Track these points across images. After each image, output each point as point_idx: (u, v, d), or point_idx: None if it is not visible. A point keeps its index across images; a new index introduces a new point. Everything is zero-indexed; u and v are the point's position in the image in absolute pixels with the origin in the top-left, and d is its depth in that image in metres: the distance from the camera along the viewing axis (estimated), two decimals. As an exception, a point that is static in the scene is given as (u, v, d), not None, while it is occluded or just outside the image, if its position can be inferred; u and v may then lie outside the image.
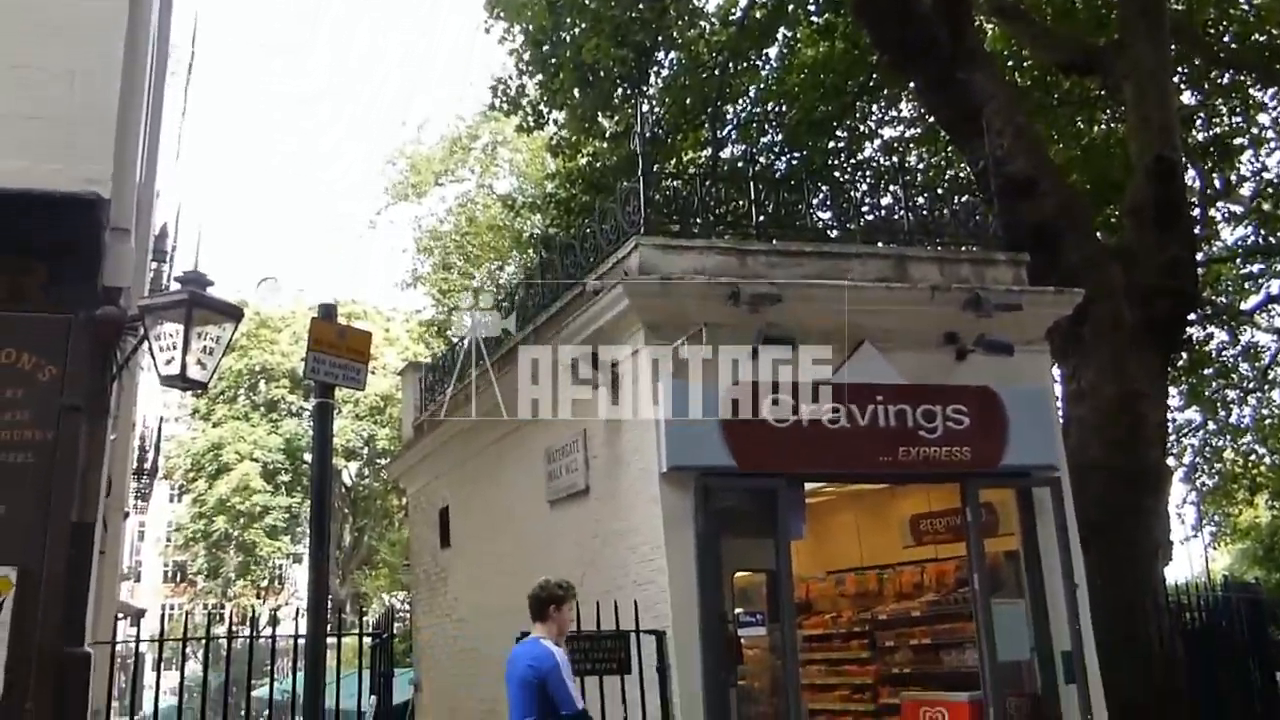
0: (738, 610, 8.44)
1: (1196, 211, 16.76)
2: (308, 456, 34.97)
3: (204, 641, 8.05)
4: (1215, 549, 31.01)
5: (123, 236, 7.11)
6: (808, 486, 8.90)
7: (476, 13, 25.13)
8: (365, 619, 9.69)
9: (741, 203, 9.47)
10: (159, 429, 19.32)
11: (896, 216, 9.88)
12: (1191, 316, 15.12)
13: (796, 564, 8.72)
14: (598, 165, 16.75)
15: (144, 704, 10.44)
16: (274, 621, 8.45)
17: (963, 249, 9.79)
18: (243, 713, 8.65)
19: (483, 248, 25.51)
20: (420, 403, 14.19)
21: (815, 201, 10.06)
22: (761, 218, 9.37)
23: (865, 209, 10.14)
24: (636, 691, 7.80)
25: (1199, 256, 14.58)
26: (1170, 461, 14.79)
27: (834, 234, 10.43)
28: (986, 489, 9.04)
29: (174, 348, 6.51)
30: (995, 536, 9.22)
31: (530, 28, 15.83)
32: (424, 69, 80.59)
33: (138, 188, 7.59)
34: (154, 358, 6.59)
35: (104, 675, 7.41)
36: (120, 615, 10.59)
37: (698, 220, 9.20)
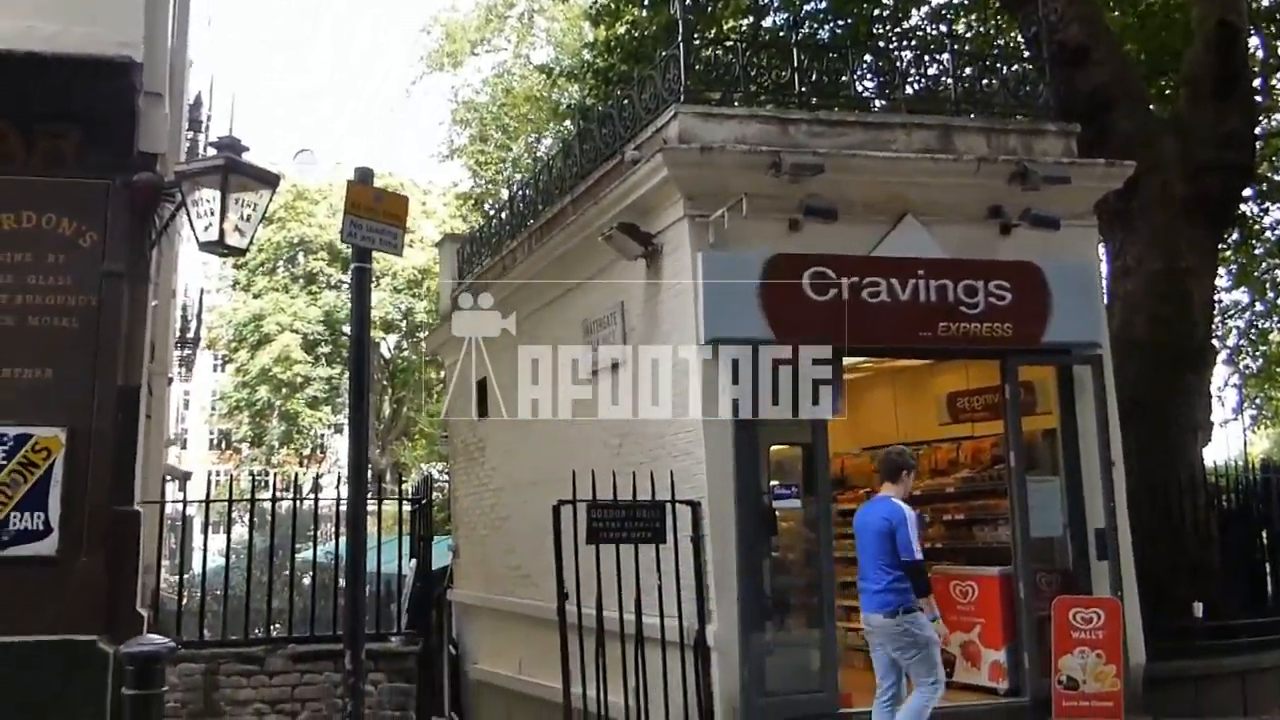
0: (773, 483, 8.51)
1: (1257, 82, 16.09)
2: (347, 328, 35.27)
3: (249, 504, 8.27)
4: (1255, 432, 30.82)
5: (156, 101, 7.06)
6: (845, 361, 8.84)
7: None
8: (404, 487, 9.88)
9: (784, 71, 9.21)
10: (200, 299, 19.54)
11: (943, 86, 9.58)
12: (1246, 192, 14.65)
13: (832, 439, 8.74)
14: (637, 34, 16.29)
15: (193, 565, 10.78)
16: (316, 487, 8.62)
17: (1011, 120, 9.50)
18: (287, 573, 8.93)
19: (519, 119, 25.09)
20: (459, 274, 14.21)
21: (859, 70, 9.77)
22: (804, 86, 9.13)
23: (911, 78, 9.83)
24: (672, 560, 7.94)
25: (1257, 130, 14.00)
26: (1214, 343, 14.56)
27: (878, 104, 10.16)
28: (1027, 366, 8.96)
29: (211, 214, 6.51)
30: (1033, 415, 9.18)
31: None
32: (458, -67, 78.28)
33: (170, 53, 7.48)
34: (192, 224, 6.60)
35: (153, 533, 7.63)
36: (167, 478, 10.88)
37: (739, 89, 8.97)
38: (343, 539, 9.08)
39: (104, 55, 6.54)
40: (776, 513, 8.45)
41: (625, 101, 9.84)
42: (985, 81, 9.63)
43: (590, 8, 17.37)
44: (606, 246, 8.94)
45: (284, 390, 35.57)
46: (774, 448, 8.76)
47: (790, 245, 8.30)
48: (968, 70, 9.77)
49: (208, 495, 7.64)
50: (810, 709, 7.88)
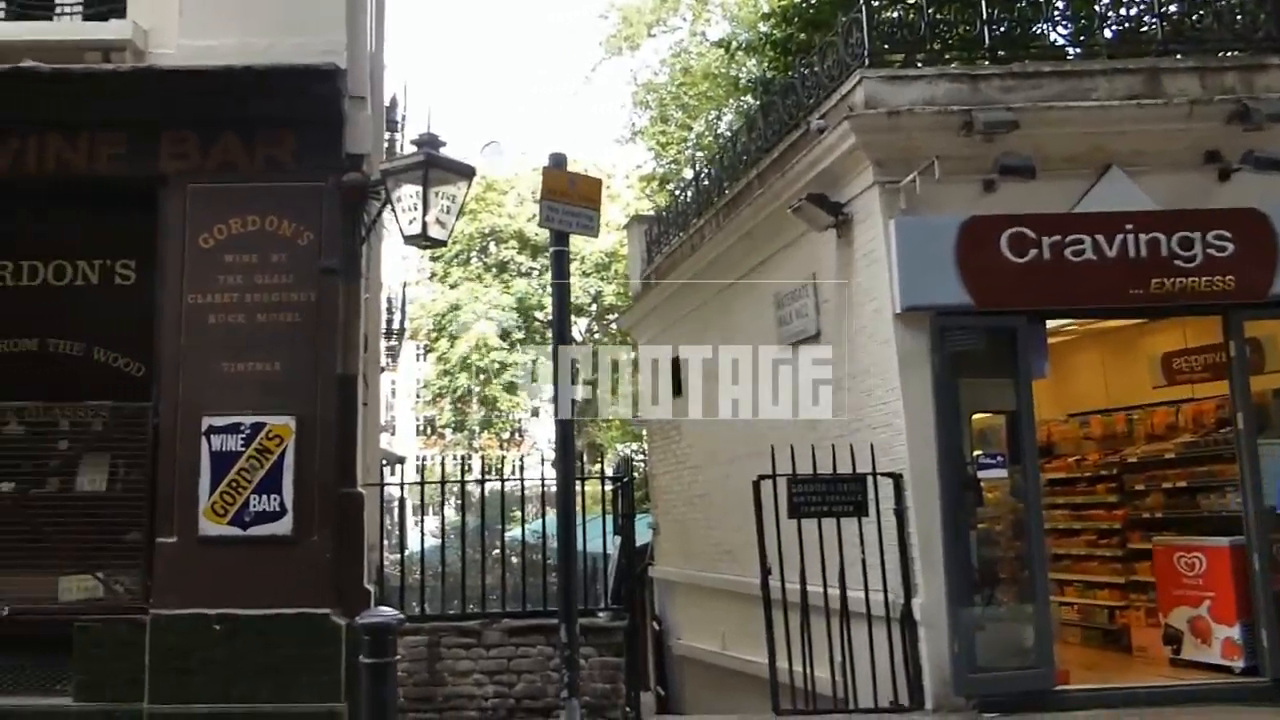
0: (976, 452, 8.26)
1: None
2: (539, 314, 36.32)
3: (460, 486, 8.65)
4: None
5: (360, 104, 7.43)
6: (1049, 324, 8.47)
7: None
8: (602, 465, 10.09)
9: (971, 25, 8.88)
10: (404, 292, 20.46)
11: (1147, 26, 8.99)
12: None
13: (1037, 405, 8.40)
14: (814, 1, 16.00)
15: (409, 544, 11.30)
16: (521, 468, 8.91)
17: (1226, 56, 8.83)
18: (496, 551, 9.31)
19: (699, 97, 25.03)
20: (647, 255, 14.37)
21: (1053, 17, 9.30)
22: (993, 40, 8.76)
23: (1110, 21, 9.29)
24: (874, 534, 7.83)
25: None
26: None
27: (1075, 52, 9.64)
28: (1253, 321, 8.35)
29: (414, 208, 6.82)
30: (1261, 374, 8.56)
31: None
32: (629, -83, 78.73)
33: (369, 58, 7.86)
34: (397, 219, 6.92)
35: (374, 514, 8.08)
36: (383, 462, 11.50)
37: (925, 48, 8.70)
38: (548, 518, 9.44)
39: (312, 64, 6.97)
40: (982, 483, 8.20)
41: (807, 70, 9.71)
42: (1195, 16, 9.00)
43: (767, -24, 17.15)
44: (795, 219, 8.86)
45: (482, 376, 36.84)
46: (976, 416, 8.50)
47: (986, 206, 8.02)
48: (1173, 7, 9.15)
49: (422, 478, 8.04)
50: (1025, 685, 7.63)
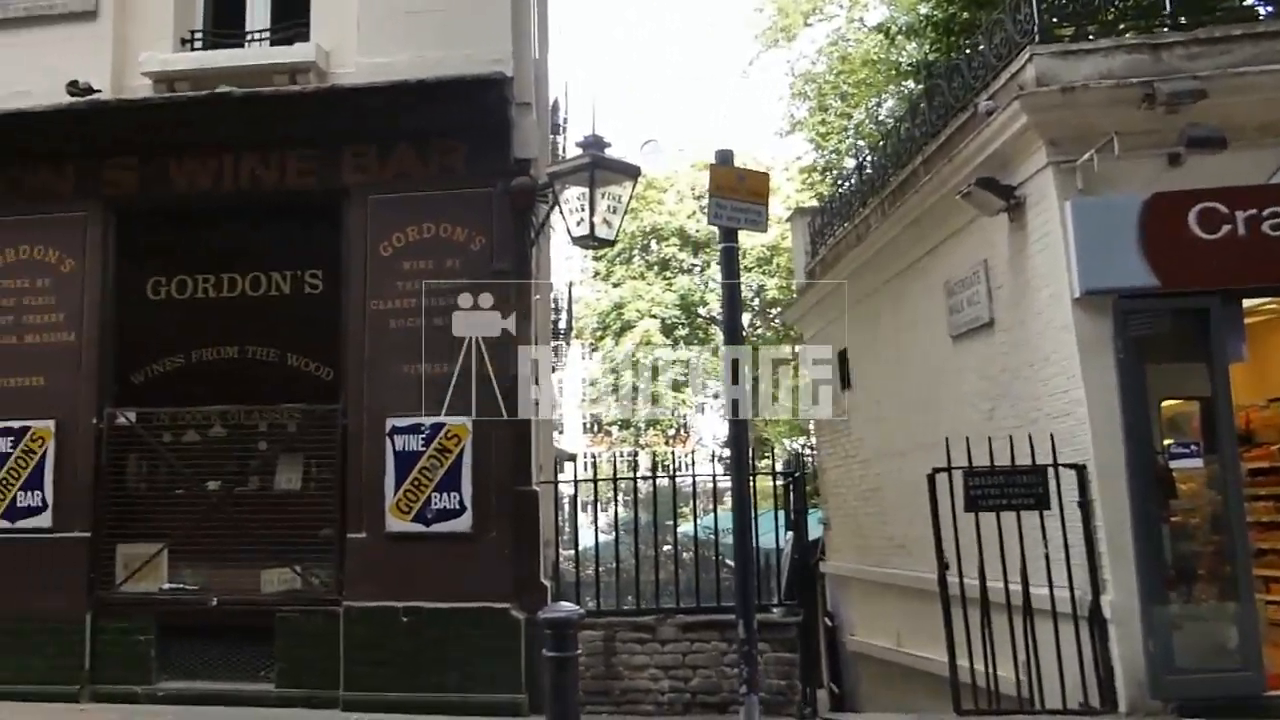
0: (1167, 441, 7.83)
1: None
2: (702, 311, 36.40)
3: (633, 483, 8.77)
4: None
5: (526, 110, 7.63)
6: (1245, 303, 7.96)
7: None
8: (768, 461, 10.04)
9: (1150, -10, 8.43)
10: (569, 292, 20.86)
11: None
12: None
13: (1234, 390, 7.90)
14: (977, -23, 15.48)
15: (578, 540, 11.49)
16: (692, 463, 8.96)
17: None
18: (668, 547, 9.39)
19: (858, 85, 24.58)
20: (811, 247, 14.22)
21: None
22: (1175, 5, 8.28)
23: (1309, -23, 8.66)
24: (1057, 528, 7.54)
25: None
26: None
27: (1267, 10, 9.03)
28: None
29: (581, 209, 6.94)
30: None
31: None
32: (782, -93, 77.90)
33: (533, 63, 8.05)
34: (565, 220, 7.06)
35: (549, 510, 8.27)
36: (556, 460, 11.76)
37: (1099, 19, 8.30)
38: (718, 514, 9.45)
39: (480, 74, 7.20)
40: (1174, 473, 7.76)
41: (972, 50, 9.41)
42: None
43: (925, -42, 16.70)
44: (965, 204, 8.60)
45: (647, 374, 37.16)
46: (1166, 403, 8.05)
47: (1170, 182, 7.58)
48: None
49: (595, 475, 8.14)
50: (1231, 689, 7.18)
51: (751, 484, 6.76)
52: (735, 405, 5.98)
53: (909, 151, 10.74)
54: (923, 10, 19.56)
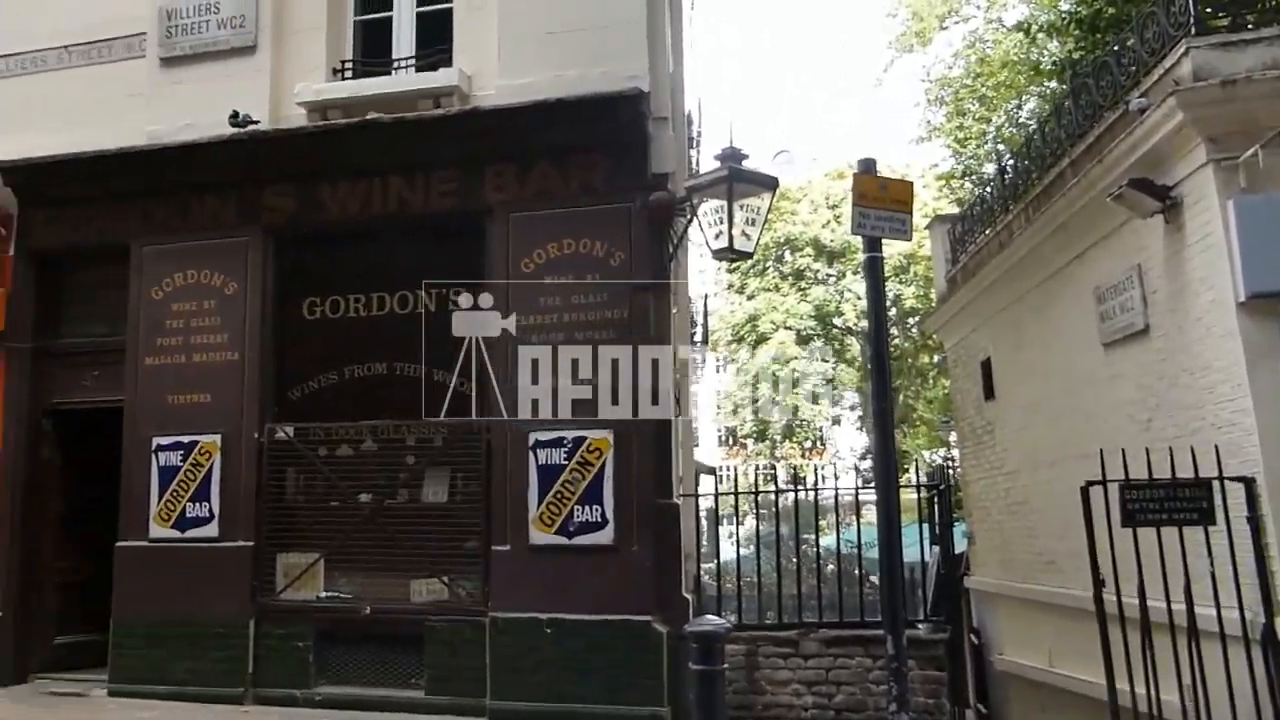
0: (1345, 452, 7.35)
1: None
2: (837, 321, 35.96)
3: (774, 496, 8.72)
4: None
5: (663, 125, 7.68)
6: None
7: None
8: (909, 473, 9.84)
9: (1319, -31, 7.95)
10: (705, 304, 20.87)
11: None
12: None
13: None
14: (1124, -28, 14.90)
15: (721, 553, 11.46)
16: (835, 476, 8.85)
17: None
18: (805, 559, 9.29)
19: (997, 87, 23.94)
20: (951, 254, 13.92)
21: None
22: (1346, -13, 7.81)
23: None
24: (1223, 544, 7.15)
25: None
26: None
27: None
28: None
29: (720, 222, 6.95)
30: None
31: None
32: (914, -91, 76.55)
33: (669, 77, 8.10)
34: (704, 233, 7.08)
35: (690, 523, 8.28)
36: (695, 473, 11.78)
37: (1259, 6, 7.88)
38: (860, 527, 9.31)
39: (618, 91, 7.29)
40: (1357, 486, 7.28)
41: (1121, 47, 9.06)
42: None
43: (1067, -47, 16.15)
44: (1116, 206, 8.27)
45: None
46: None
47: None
48: None
49: (735, 488, 8.12)
50: None
51: (895, 496, 6.64)
52: (882, 417, 5.89)
53: (1054, 154, 10.41)
54: (1065, 6, 18.95)
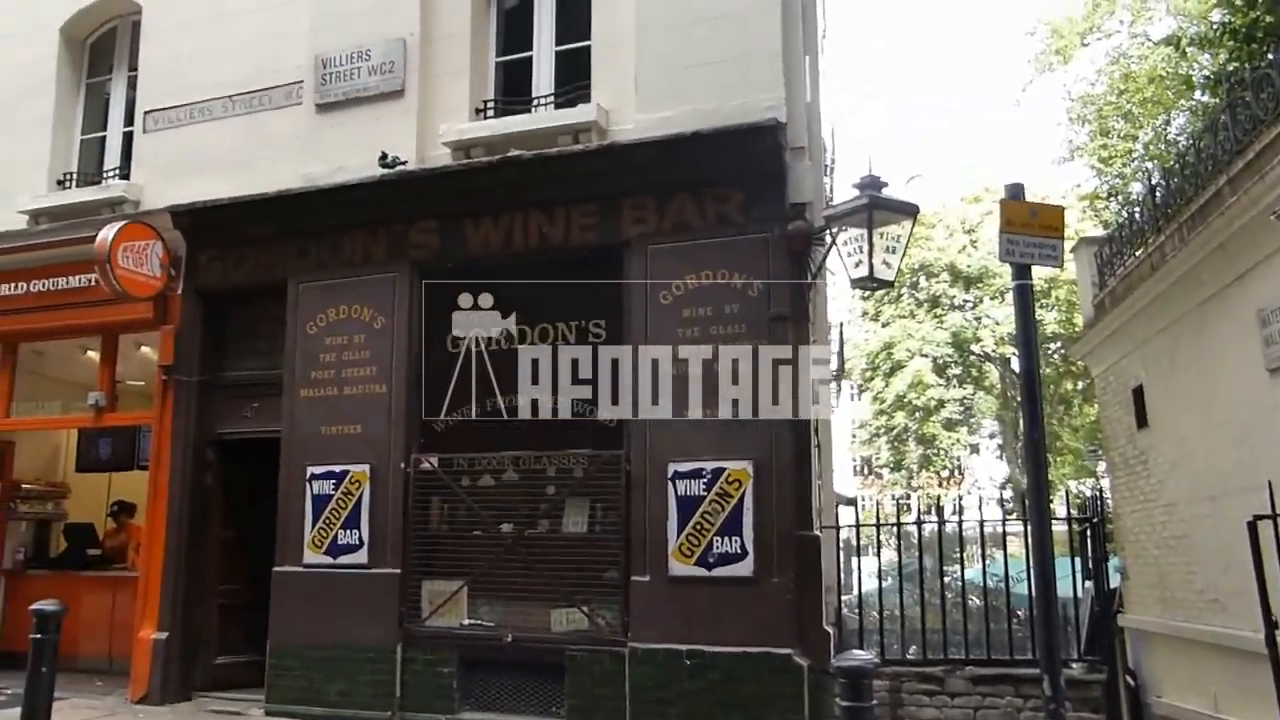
0: None
1: None
2: (975, 348, 35.07)
3: (916, 527, 8.52)
4: None
5: (800, 155, 7.67)
6: None
7: None
8: (1067, 504, 9.48)
9: None
10: (840, 332, 20.65)
11: None
12: None
13: None
14: (1283, -21, 14.22)
15: (856, 585, 11.26)
16: (980, 505, 8.60)
17: None
18: (951, 594, 9.02)
19: (1144, 103, 23.10)
20: (1098, 278, 13.43)
21: None
22: None
23: None
24: None
25: None
26: None
27: None
28: None
29: (860, 251, 6.88)
30: None
31: None
32: (1050, -75, 74.78)
33: (806, 107, 8.09)
34: (843, 262, 7.01)
35: (831, 555, 8.15)
36: (838, 503, 11.60)
37: None
38: (1007, 560, 9.02)
39: (754, 122, 7.32)
40: None
41: (1284, 57, 8.64)
42: None
43: (1217, -39, 15.50)
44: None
45: (918, 414, 36.18)
46: None
47: None
48: None
49: (877, 519, 7.97)
50: None
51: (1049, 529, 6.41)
52: (1034, 447, 5.71)
53: (1210, 171, 9.96)
54: (1216, 18, 18.22)
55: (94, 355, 10.50)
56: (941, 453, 38.62)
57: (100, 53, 11.12)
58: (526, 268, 8.41)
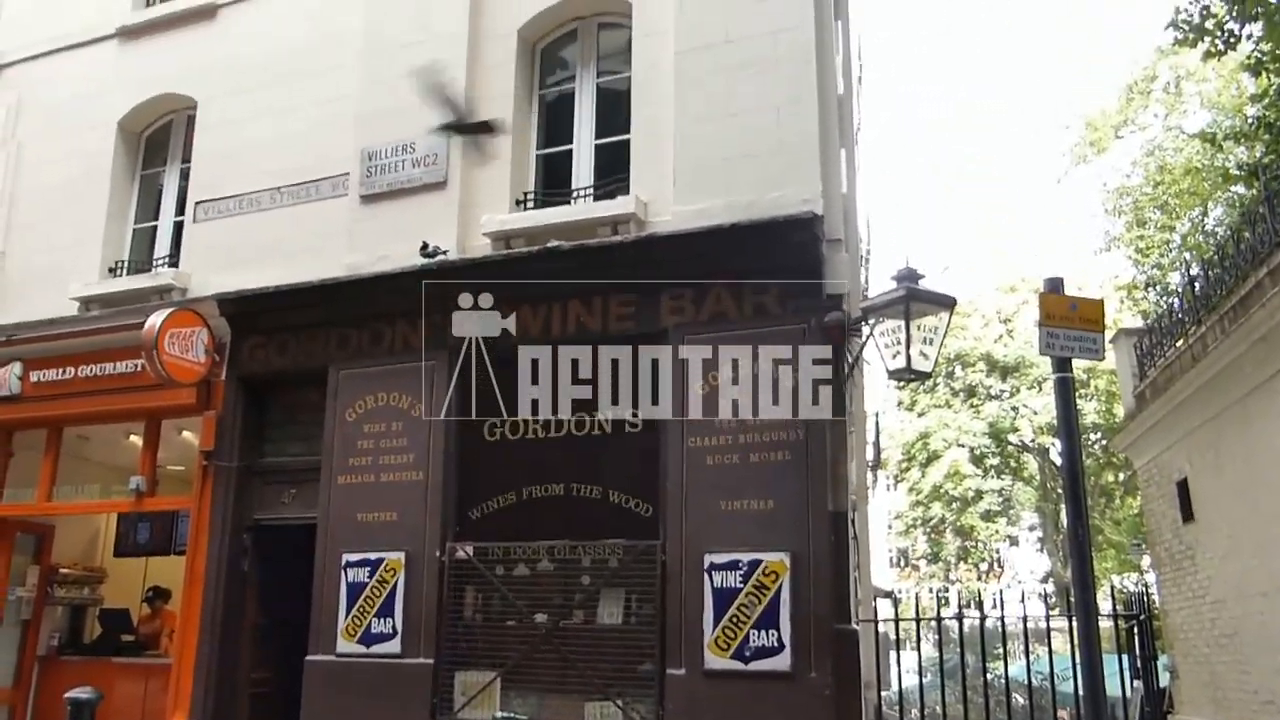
0: None
1: None
2: (1013, 438, 34.68)
3: (958, 621, 8.35)
4: None
5: (836, 247, 7.73)
6: None
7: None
8: (1098, 599, 9.25)
9: None
10: (876, 422, 20.56)
11: None
12: None
13: None
14: (1315, 75, 14.33)
15: (896, 681, 11.03)
16: (1022, 599, 8.41)
17: None
18: (994, 690, 8.79)
19: (1180, 195, 23.18)
20: (1138, 369, 13.33)
21: None
22: None
23: None
24: None
25: None
26: None
27: None
28: None
29: (897, 342, 6.88)
30: None
31: (1206, -59, 14.03)
32: (1080, 21, 75.96)
33: (842, 199, 8.18)
34: (880, 354, 7.01)
35: (870, 650, 7.99)
36: (875, 596, 11.42)
37: None
38: (1052, 656, 8.80)
39: (791, 215, 7.40)
40: None
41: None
42: None
43: (1248, 58, 15.61)
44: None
45: (955, 505, 35.72)
46: None
47: None
48: None
49: (916, 613, 7.82)
50: None
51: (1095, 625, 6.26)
52: (1079, 543, 5.61)
53: (1249, 262, 9.95)
54: (1251, 112, 18.34)
55: (136, 440, 10.64)
56: (980, 545, 37.99)
57: (155, 145, 11.48)
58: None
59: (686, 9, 8.56)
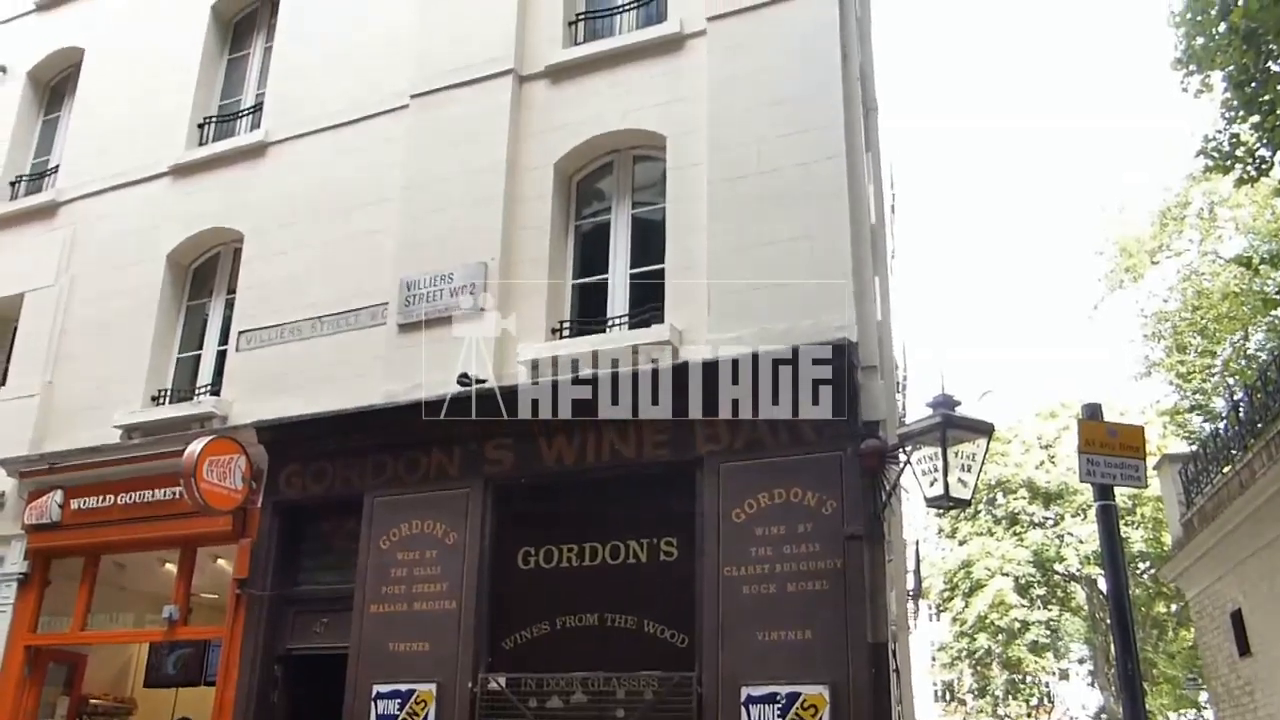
0: None
1: None
2: (1059, 567, 33.85)
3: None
4: None
5: (872, 374, 7.75)
6: None
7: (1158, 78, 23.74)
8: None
9: None
10: (917, 551, 20.16)
11: None
12: None
13: None
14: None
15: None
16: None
17: None
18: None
19: (1219, 319, 23.09)
20: (1185, 496, 13.06)
21: None
22: None
23: None
24: None
25: None
26: None
27: None
28: None
29: (934, 470, 6.81)
30: None
31: (1231, 70, 14.31)
32: (1106, 150, 76.95)
33: (877, 326, 8.21)
34: (918, 481, 6.94)
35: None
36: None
37: None
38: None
39: (827, 342, 7.43)
40: None
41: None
42: None
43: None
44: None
45: (1001, 636, 34.70)
46: None
47: None
48: None
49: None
50: None
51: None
52: (1129, 679, 5.41)
53: (1296, 387, 9.82)
54: (1288, 236, 18.38)
55: (172, 567, 10.64)
56: (1029, 679, 36.75)
57: (201, 276, 11.79)
58: (599, 484, 8.43)
59: (720, 142, 8.78)
